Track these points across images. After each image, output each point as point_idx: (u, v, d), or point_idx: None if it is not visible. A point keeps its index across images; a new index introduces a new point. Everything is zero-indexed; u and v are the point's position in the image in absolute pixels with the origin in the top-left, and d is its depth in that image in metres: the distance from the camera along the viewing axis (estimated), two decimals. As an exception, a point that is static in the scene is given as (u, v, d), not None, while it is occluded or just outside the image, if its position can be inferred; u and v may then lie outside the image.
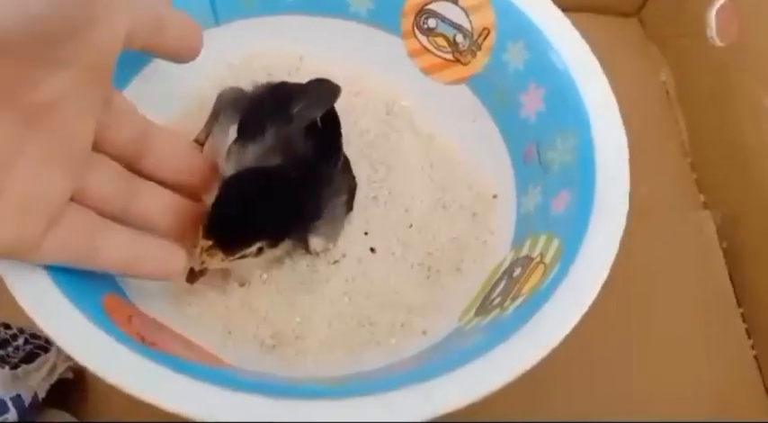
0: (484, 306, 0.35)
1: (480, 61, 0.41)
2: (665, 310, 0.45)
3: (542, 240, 0.35)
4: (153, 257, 0.33)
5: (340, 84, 0.40)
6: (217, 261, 0.33)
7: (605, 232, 0.32)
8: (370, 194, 0.41)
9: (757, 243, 0.45)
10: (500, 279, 0.36)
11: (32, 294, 0.28)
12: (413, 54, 0.44)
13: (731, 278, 0.47)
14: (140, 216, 0.34)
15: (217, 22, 0.42)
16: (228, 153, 0.36)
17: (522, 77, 0.40)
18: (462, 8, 0.41)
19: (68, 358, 0.36)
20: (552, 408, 0.41)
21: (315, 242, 0.37)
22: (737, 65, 0.47)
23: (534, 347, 0.29)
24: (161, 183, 0.35)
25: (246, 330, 0.36)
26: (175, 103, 0.42)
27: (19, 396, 0.33)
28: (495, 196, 0.41)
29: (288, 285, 0.38)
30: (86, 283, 0.30)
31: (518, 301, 0.32)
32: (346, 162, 0.40)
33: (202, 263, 0.33)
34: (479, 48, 0.41)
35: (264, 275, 0.38)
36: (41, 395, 0.34)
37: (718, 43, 0.49)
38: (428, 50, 0.43)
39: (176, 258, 0.33)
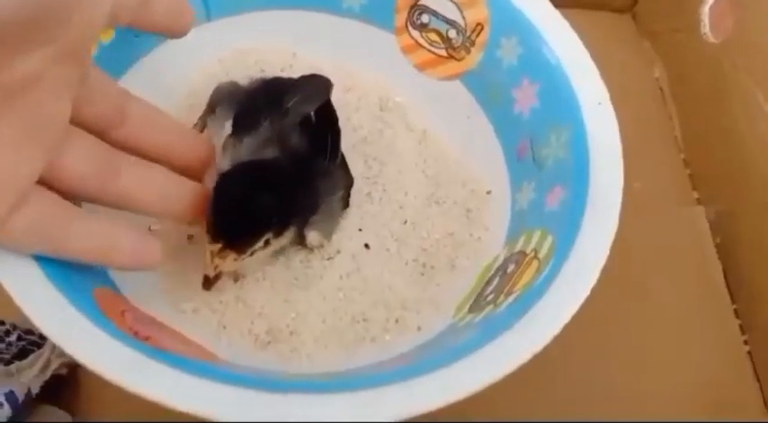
0: (478, 302, 0.35)
1: (474, 57, 0.42)
2: (659, 306, 0.45)
3: (536, 236, 0.35)
4: (125, 248, 0.31)
5: (333, 80, 0.40)
6: (230, 262, 0.33)
7: (599, 228, 0.32)
8: (364, 191, 0.41)
9: (751, 238, 0.46)
10: (494, 275, 0.36)
11: (23, 287, 0.28)
12: (406, 50, 0.44)
13: (725, 274, 0.47)
14: (120, 193, 0.32)
15: (209, 17, 0.42)
16: (224, 147, 0.36)
17: (516, 73, 0.40)
18: (456, 4, 0.41)
19: (62, 354, 0.36)
20: (545, 405, 0.41)
21: (312, 236, 0.37)
22: (731, 61, 0.47)
23: (527, 343, 0.29)
24: (143, 156, 0.34)
25: (241, 326, 0.36)
26: (167, 97, 0.41)
27: (12, 392, 0.33)
28: (489, 192, 0.41)
29: (282, 281, 0.38)
30: (77, 275, 0.30)
31: (511, 298, 0.32)
32: (343, 159, 0.40)
33: (216, 267, 0.33)
34: (473, 44, 0.41)
35: (258, 272, 0.38)
36: (35, 391, 0.34)
37: (712, 39, 0.49)
38: (421, 46, 0.43)
39: (150, 250, 0.32)
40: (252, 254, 0.34)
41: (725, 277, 0.47)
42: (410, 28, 0.43)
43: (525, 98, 0.39)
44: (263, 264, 0.37)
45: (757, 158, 0.45)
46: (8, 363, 0.34)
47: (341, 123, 0.40)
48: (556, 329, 0.29)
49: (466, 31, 0.41)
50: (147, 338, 0.29)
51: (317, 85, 0.39)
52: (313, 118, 0.38)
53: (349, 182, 0.40)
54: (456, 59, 0.42)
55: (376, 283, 0.38)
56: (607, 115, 0.36)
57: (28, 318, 0.27)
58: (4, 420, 0.33)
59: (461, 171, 0.42)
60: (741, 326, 0.45)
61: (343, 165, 0.40)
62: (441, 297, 0.38)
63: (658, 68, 0.55)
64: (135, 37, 0.39)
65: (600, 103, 0.37)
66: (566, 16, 0.40)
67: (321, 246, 0.38)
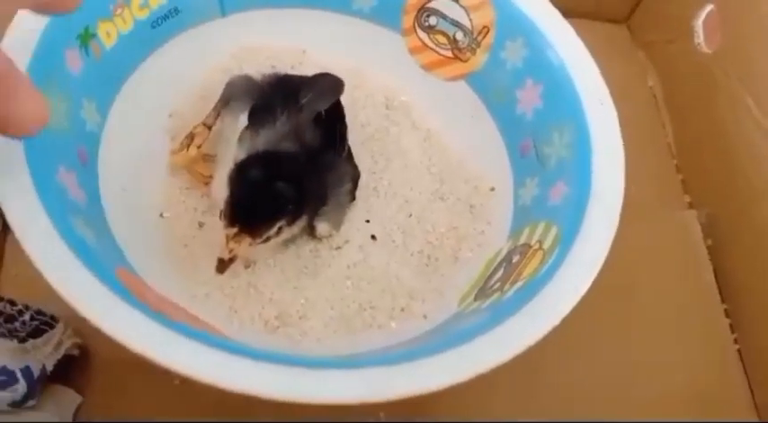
0: (483, 291, 0.36)
1: (479, 59, 0.43)
2: (651, 306, 0.46)
3: (540, 228, 0.36)
4: None
5: (341, 78, 0.41)
6: (245, 246, 0.34)
7: (603, 217, 0.33)
8: (370, 185, 0.42)
9: (740, 241, 0.47)
10: (498, 266, 0.37)
11: (53, 265, 0.28)
12: (413, 51, 0.45)
13: (715, 275, 0.48)
14: None
15: (223, 13, 0.43)
16: (240, 139, 0.37)
17: (520, 74, 0.41)
18: (463, 7, 0.42)
19: (73, 335, 0.37)
20: (539, 405, 0.42)
21: (321, 227, 0.38)
22: (723, 70, 0.48)
23: (535, 326, 0.30)
24: None
25: (252, 311, 0.37)
26: (179, 90, 0.42)
27: (28, 367, 0.34)
28: (492, 189, 0.42)
29: (292, 269, 0.38)
30: (102, 255, 0.31)
31: (517, 285, 0.33)
32: (349, 153, 0.41)
33: (231, 251, 0.34)
34: (479, 45, 0.42)
35: (270, 259, 0.38)
36: (49, 368, 0.35)
37: (705, 50, 0.50)
38: (428, 47, 0.44)
39: None
40: (266, 240, 0.35)
41: (715, 278, 0.48)
42: (418, 29, 0.44)
43: (529, 99, 0.40)
44: (274, 251, 0.38)
45: (747, 164, 0.46)
46: (23, 340, 0.35)
47: (348, 120, 0.41)
48: (563, 313, 0.30)
49: (472, 33, 0.42)
50: (165, 314, 0.30)
51: (331, 84, 0.41)
52: (322, 113, 0.39)
53: (356, 175, 0.41)
54: (461, 61, 0.44)
55: (382, 273, 0.39)
56: (608, 114, 0.37)
57: (68, 303, 0.27)
58: (19, 398, 0.34)
59: (465, 168, 0.43)
60: (731, 325, 0.47)
61: (350, 159, 0.41)
62: (446, 287, 0.39)
63: (652, 77, 0.56)
64: (151, 28, 0.40)
65: (602, 103, 0.38)
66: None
67: (330, 236, 0.39)
